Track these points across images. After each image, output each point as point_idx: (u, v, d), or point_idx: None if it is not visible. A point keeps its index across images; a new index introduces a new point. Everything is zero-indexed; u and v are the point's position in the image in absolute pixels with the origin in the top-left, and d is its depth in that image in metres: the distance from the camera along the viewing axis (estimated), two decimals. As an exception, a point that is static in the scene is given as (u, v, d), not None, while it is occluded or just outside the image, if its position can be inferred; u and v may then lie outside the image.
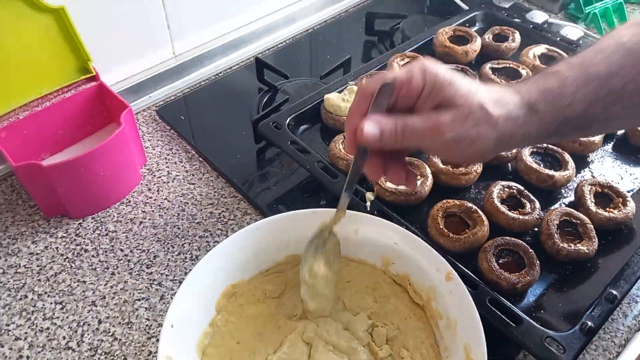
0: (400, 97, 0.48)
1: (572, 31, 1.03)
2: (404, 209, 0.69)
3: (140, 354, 0.61)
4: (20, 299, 0.65)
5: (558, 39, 0.95)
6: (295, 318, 0.58)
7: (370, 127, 0.47)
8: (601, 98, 0.48)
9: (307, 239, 0.61)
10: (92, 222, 0.74)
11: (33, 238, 0.71)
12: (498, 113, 0.48)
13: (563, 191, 0.74)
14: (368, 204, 0.67)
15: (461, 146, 0.48)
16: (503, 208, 0.67)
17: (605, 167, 0.77)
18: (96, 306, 0.65)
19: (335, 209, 0.56)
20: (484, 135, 0.48)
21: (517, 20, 0.99)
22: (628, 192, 0.71)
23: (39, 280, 0.67)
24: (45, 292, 0.66)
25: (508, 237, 0.64)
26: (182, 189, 0.78)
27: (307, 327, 0.57)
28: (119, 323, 0.63)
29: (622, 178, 0.76)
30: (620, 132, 0.82)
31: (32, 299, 0.65)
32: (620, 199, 0.69)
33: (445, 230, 0.65)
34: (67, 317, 0.64)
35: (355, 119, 0.48)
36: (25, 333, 0.62)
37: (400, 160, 0.52)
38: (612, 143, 0.81)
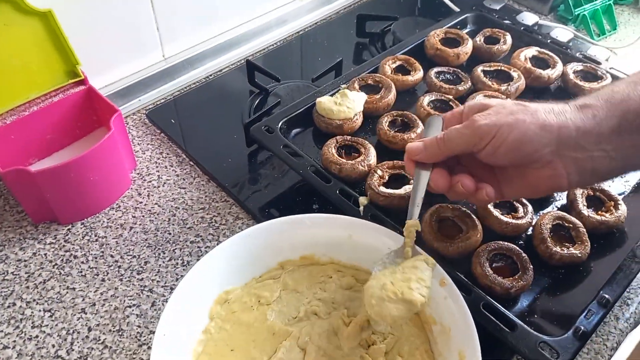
0: (448, 123, 0.57)
1: (562, 33, 1.03)
2: (398, 214, 0.68)
3: (131, 362, 0.60)
4: (8, 307, 0.64)
5: (549, 40, 0.95)
6: (295, 321, 0.58)
7: (414, 143, 0.56)
8: None
9: (299, 246, 0.61)
10: (81, 228, 0.73)
11: (21, 244, 0.70)
12: (536, 106, 0.50)
13: (555, 195, 0.74)
14: (361, 208, 0.67)
15: (501, 132, 0.49)
16: (496, 212, 0.67)
17: (597, 170, 0.78)
18: (86, 313, 0.64)
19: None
20: (522, 121, 0.49)
21: (507, 22, 0.99)
22: (619, 195, 0.71)
23: (27, 287, 0.66)
24: (34, 300, 0.65)
25: (501, 242, 0.64)
26: (172, 194, 0.78)
27: (303, 332, 0.56)
28: (110, 330, 0.63)
29: (613, 181, 0.76)
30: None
31: (21, 306, 0.64)
32: (612, 203, 0.69)
33: (439, 235, 0.64)
34: (56, 325, 0.63)
35: None
36: (14, 341, 0.61)
37: (465, 173, 0.55)
38: (603, 146, 0.82)
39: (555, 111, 0.50)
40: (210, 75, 0.99)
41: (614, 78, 0.87)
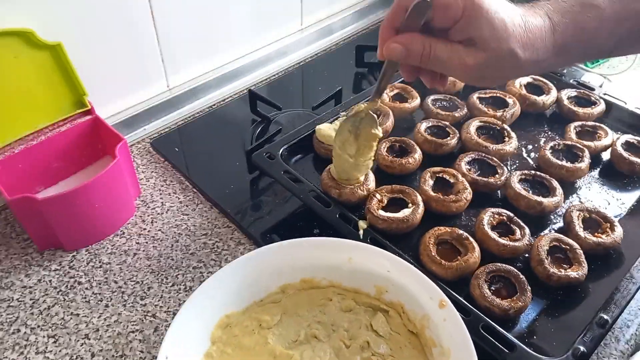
0: (436, 18, 0.49)
1: (557, 61, 1.05)
2: (396, 237, 0.70)
3: (134, 387, 0.60)
4: (13, 333, 0.65)
5: (543, 68, 0.98)
6: (295, 344, 0.58)
7: (397, 47, 0.51)
8: (635, 34, 0.49)
9: (300, 270, 0.62)
10: (85, 255, 0.74)
11: (26, 271, 0.71)
12: (526, 58, 0.49)
13: (552, 217, 0.75)
14: (361, 232, 0.68)
15: (482, 82, 0.52)
16: (493, 235, 0.68)
17: (593, 193, 0.79)
18: (89, 339, 0.64)
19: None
20: (506, 77, 0.54)
21: (502, 51, 1.02)
22: (615, 217, 0.72)
23: (32, 313, 0.67)
24: (38, 326, 0.66)
25: (499, 264, 0.65)
26: (175, 220, 0.79)
27: (304, 355, 0.57)
28: (113, 356, 0.63)
29: (609, 203, 0.77)
30: (605, 158, 0.84)
31: (25, 332, 0.65)
32: (608, 224, 0.70)
33: (437, 258, 0.65)
34: (60, 351, 0.63)
35: (387, 31, 0.52)
36: (18, 367, 0.62)
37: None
38: (598, 169, 0.83)
39: (540, 60, 0.49)
40: (214, 105, 1.01)
41: (608, 104, 0.89)
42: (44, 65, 0.71)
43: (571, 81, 0.95)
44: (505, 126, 0.84)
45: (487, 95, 0.90)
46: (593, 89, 0.93)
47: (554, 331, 0.61)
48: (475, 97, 0.89)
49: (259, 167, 0.78)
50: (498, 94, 0.90)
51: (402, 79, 0.94)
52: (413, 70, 0.55)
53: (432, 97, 0.90)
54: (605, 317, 0.59)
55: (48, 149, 0.76)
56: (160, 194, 0.83)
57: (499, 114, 0.86)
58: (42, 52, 0.70)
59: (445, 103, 0.90)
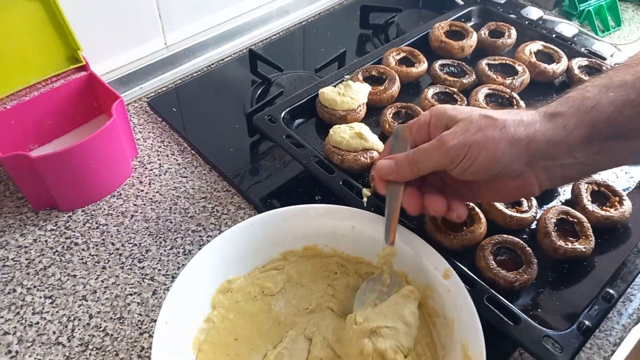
0: (415, 135, 0.55)
1: (567, 28, 1.03)
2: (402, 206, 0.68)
3: (132, 350, 0.60)
4: (9, 293, 0.63)
5: (554, 35, 0.95)
6: (305, 312, 0.58)
7: (385, 161, 0.55)
8: (633, 101, 0.46)
9: (302, 237, 0.60)
10: (82, 215, 0.72)
11: (21, 231, 0.70)
12: (505, 117, 0.49)
13: (560, 189, 0.73)
14: (365, 200, 0.67)
15: (471, 153, 0.48)
16: (500, 205, 0.66)
17: (601, 166, 0.77)
18: (87, 301, 0.63)
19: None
20: (491, 138, 0.48)
21: (512, 16, 0.99)
22: (624, 190, 0.71)
23: (28, 273, 0.65)
24: (35, 286, 0.64)
25: (506, 235, 0.64)
26: (174, 182, 0.77)
27: (310, 322, 0.56)
28: (111, 318, 0.62)
29: (617, 177, 0.76)
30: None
31: (21, 292, 0.64)
32: (617, 198, 0.69)
33: (443, 227, 0.64)
34: (57, 312, 0.62)
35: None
36: (14, 327, 0.60)
37: (438, 193, 0.55)
38: (606, 141, 0.81)
39: (525, 122, 0.48)
40: (212, 64, 0.98)
41: (619, 74, 0.87)
42: (35, 16, 0.68)
43: (582, 49, 0.92)
44: (514, 94, 0.81)
45: (497, 62, 0.87)
46: (605, 59, 0.90)
47: (559, 304, 0.61)
48: (484, 63, 0.87)
49: (260, 130, 0.76)
50: (507, 61, 0.87)
51: (409, 42, 0.91)
52: (417, 197, 0.54)
53: (439, 62, 0.87)
54: (612, 291, 0.58)
55: (41, 105, 0.73)
56: (158, 155, 0.81)
57: (508, 81, 0.83)
58: (33, 3, 0.67)
59: (453, 69, 0.88)
